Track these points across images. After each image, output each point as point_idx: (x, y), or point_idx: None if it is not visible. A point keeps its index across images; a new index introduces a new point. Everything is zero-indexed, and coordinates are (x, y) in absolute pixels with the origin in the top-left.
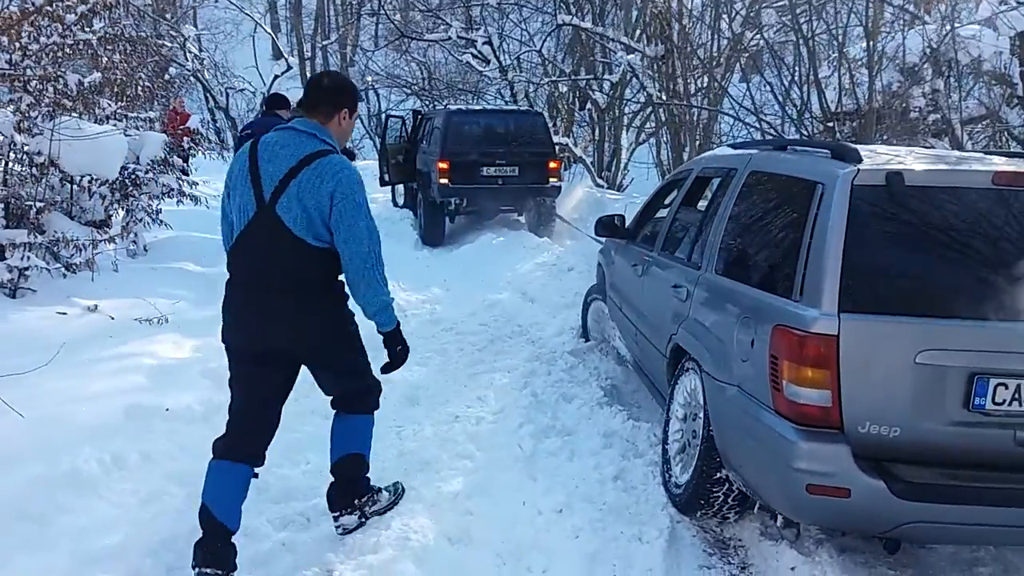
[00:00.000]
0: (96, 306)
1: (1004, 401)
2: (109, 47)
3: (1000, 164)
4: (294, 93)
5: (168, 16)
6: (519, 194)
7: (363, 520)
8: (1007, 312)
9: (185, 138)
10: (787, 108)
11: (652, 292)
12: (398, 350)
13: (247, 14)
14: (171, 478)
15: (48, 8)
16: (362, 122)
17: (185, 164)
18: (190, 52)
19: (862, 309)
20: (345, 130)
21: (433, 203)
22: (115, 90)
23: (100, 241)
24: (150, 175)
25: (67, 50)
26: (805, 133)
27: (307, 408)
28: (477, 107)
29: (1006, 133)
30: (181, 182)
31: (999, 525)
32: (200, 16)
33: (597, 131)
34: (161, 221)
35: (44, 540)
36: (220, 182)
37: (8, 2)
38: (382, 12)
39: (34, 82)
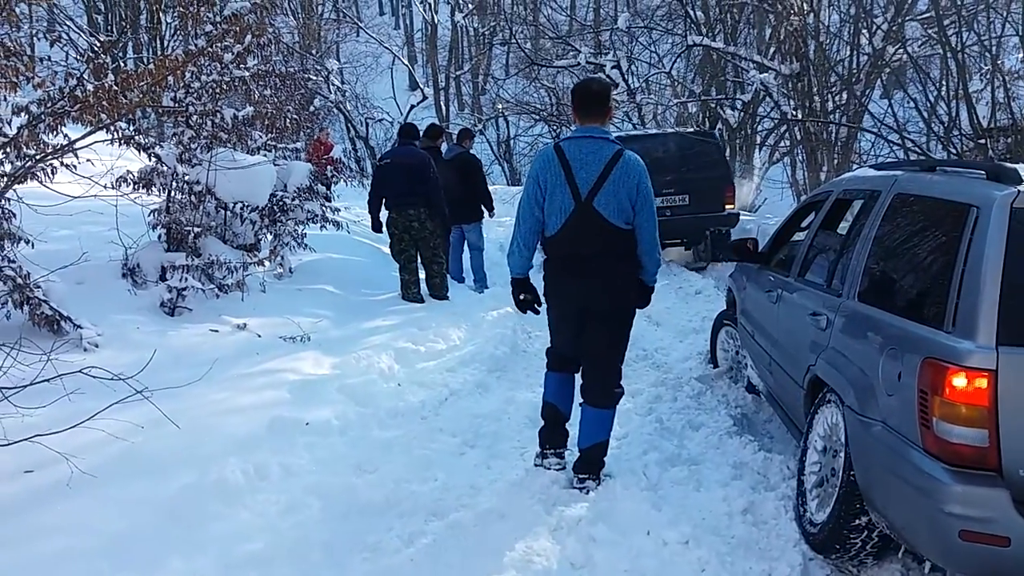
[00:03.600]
0: (245, 324)
1: None
2: (261, 83)
3: None
4: (429, 121)
5: (314, 51)
6: (691, 225)
7: (598, 485)
8: None
9: (328, 167)
10: (933, 125)
11: (788, 319)
12: (650, 297)
13: (386, 47)
14: (309, 490)
15: (209, 49)
16: (491, 148)
17: (328, 191)
18: (333, 84)
19: (1022, 342)
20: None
21: None
22: (265, 122)
23: (250, 264)
24: (296, 202)
25: (224, 86)
26: (953, 151)
27: (435, 427)
28: (636, 133)
29: None
30: (324, 208)
31: None
32: (342, 50)
33: (728, 151)
34: (306, 245)
35: (194, 543)
36: (360, 208)
37: (174, 45)
38: (513, 42)
39: (195, 117)
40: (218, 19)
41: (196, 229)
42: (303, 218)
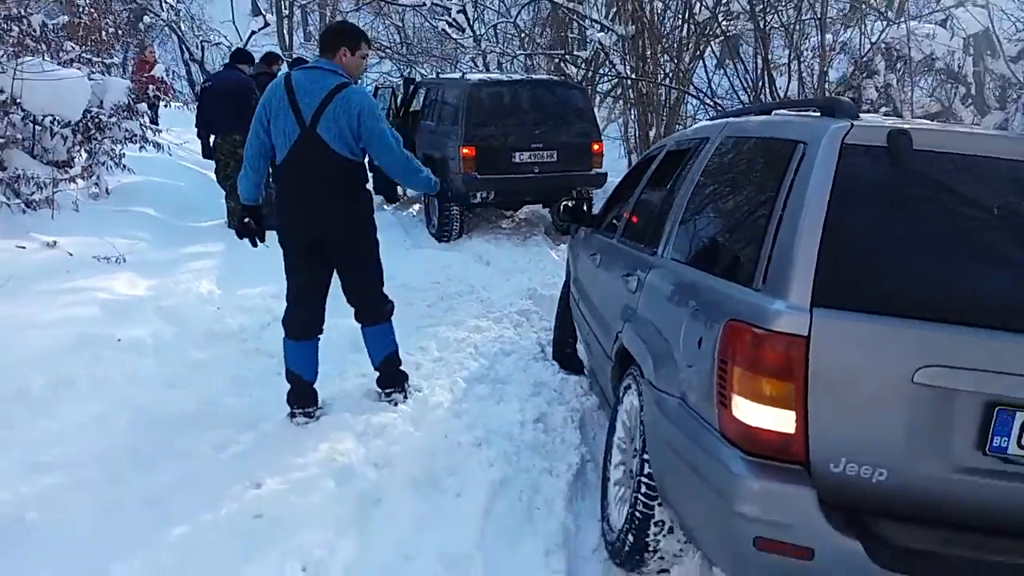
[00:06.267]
0: (55, 242)
1: None
2: None
3: None
4: (270, 49)
5: None
6: (557, 183)
7: (406, 397)
8: None
9: (150, 86)
10: (740, 94)
11: (605, 283)
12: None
13: None
14: (120, 403)
15: None
16: None
17: (153, 113)
18: (166, 3)
19: (843, 304)
20: (349, 64)
21: (450, 196)
22: (80, 33)
23: (61, 180)
24: (114, 120)
25: None
26: None
27: (253, 348)
28: (501, 77)
29: None
30: (145, 129)
31: None
32: None
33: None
34: (124, 166)
35: None
36: (189, 132)
37: None
38: None
39: None
40: None
41: (0, 140)
42: (121, 137)
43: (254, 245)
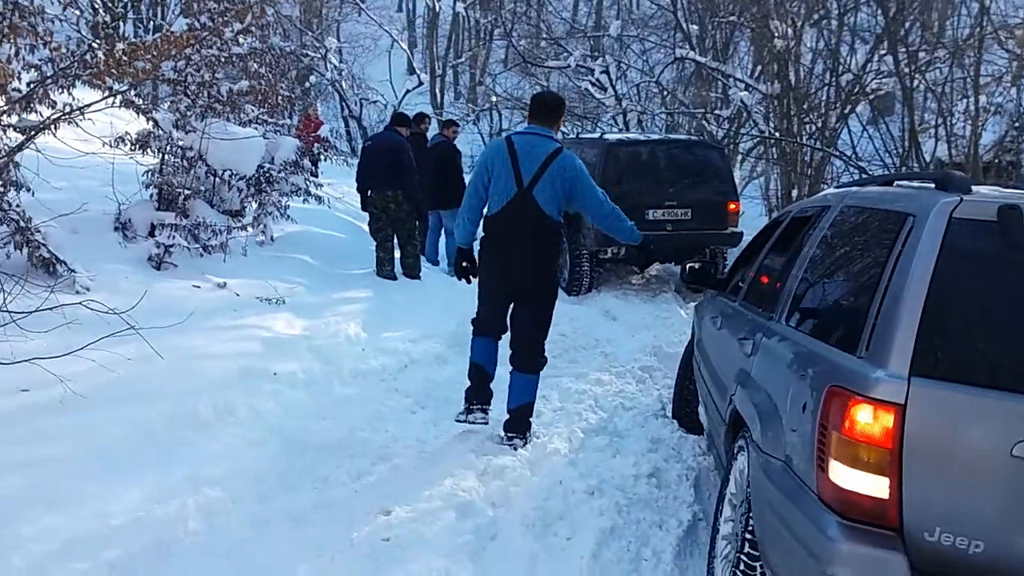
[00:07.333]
0: (225, 283)
1: None
2: (257, 60)
3: None
4: (422, 107)
5: (314, 28)
6: (690, 241)
7: (526, 444)
8: None
9: (315, 144)
10: (886, 156)
11: (724, 346)
12: (649, 250)
13: (386, 30)
14: (271, 430)
15: (211, 25)
16: (483, 139)
17: (314, 167)
18: (330, 63)
19: (942, 375)
20: (560, 128)
21: (583, 251)
22: (258, 98)
23: (234, 228)
24: (282, 175)
25: (222, 61)
26: None
27: (392, 387)
28: (639, 136)
29: None
30: (309, 183)
31: None
32: (343, 29)
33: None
34: (288, 216)
35: (167, 462)
36: (346, 185)
37: (173, 20)
38: (508, 39)
39: (192, 87)
40: None
41: (186, 191)
42: (287, 190)
43: (468, 282)
